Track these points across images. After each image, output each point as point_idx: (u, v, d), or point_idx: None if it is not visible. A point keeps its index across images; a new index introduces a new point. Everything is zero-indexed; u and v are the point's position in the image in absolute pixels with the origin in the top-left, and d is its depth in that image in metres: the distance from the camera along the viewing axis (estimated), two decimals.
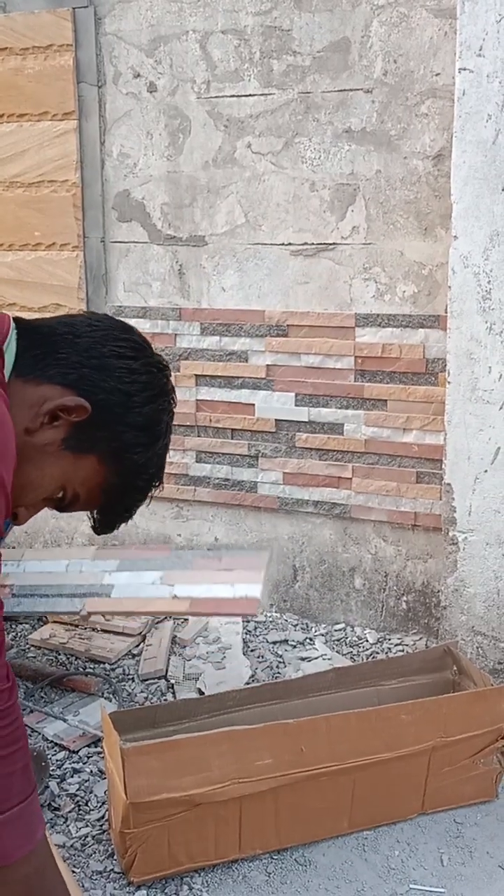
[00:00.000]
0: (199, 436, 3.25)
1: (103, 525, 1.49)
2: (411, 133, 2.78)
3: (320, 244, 2.96)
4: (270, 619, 3.20)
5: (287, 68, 2.90)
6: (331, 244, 2.95)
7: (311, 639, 3.08)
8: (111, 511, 1.47)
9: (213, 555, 2.80)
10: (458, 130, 2.49)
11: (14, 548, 3.63)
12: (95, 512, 1.47)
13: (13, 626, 3.12)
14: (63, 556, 2.93)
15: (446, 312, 2.62)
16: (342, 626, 3.16)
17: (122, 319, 1.48)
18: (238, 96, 2.99)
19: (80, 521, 3.50)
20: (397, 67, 2.76)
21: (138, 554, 2.89)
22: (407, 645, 3.01)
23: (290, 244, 3.01)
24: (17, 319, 1.38)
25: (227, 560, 2.75)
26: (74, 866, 2.05)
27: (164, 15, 3.03)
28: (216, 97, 3.02)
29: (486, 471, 2.60)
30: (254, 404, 3.15)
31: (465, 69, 2.46)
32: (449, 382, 2.62)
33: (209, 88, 3.02)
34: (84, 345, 1.38)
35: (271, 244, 3.03)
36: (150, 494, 1.48)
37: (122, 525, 1.49)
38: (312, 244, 2.98)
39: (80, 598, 2.70)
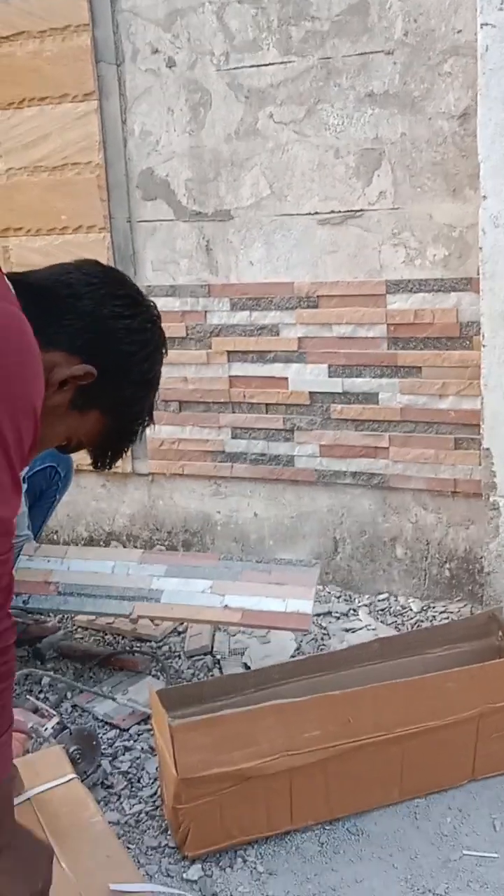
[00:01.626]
0: (233, 412, 3.25)
1: (101, 462, 1.64)
2: (435, 93, 2.73)
3: (347, 212, 2.93)
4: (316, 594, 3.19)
5: (306, 34, 2.86)
6: (358, 211, 2.91)
7: (354, 610, 3.07)
8: (109, 450, 1.61)
9: (263, 567, 2.80)
10: (483, 87, 2.44)
11: (57, 532, 3.67)
12: (94, 451, 1.62)
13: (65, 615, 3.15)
14: (108, 557, 2.95)
15: (478, 274, 2.58)
16: (385, 596, 3.15)
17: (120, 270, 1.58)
18: (258, 66, 2.95)
19: (121, 503, 3.52)
20: (418, 27, 2.71)
21: (186, 560, 2.90)
22: (451, 612, 3.00)
23: (316, 213, 2.97)
24: (8, 275, 1.42)
25: (276, 574, 2.74)
26: (129, 843, 2.08)
27: None
28: (236, 68, 2.98)
29: None
30: (287, 378, 3.13)
31: (487, 24, 2.41)
32: (484, 346, 2.58)
33: (228, 60, 2.99)
34: (86, 308, 1.47)
35: (298, 214, 3.00)
36: (142, 433, 1.64)
37: (119, 460, 1.65)
38: (339, 212, 2.94)
39: (128, 601, 2.71)
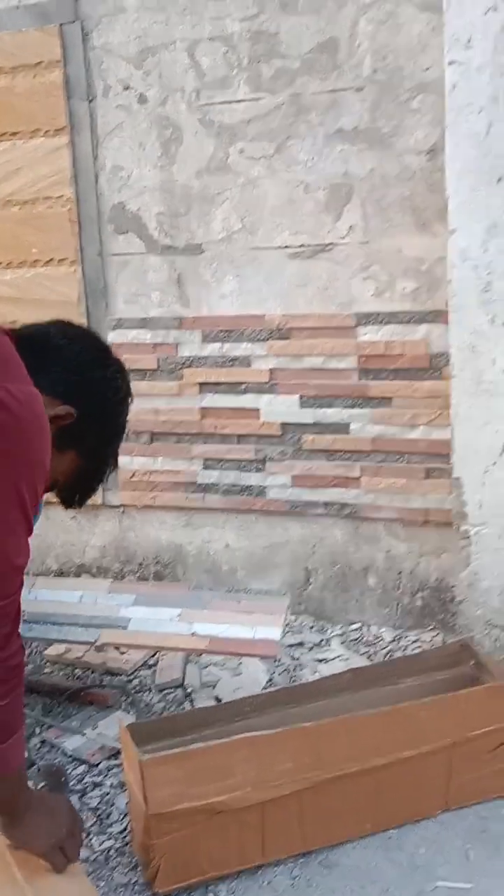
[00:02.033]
0: (205, 443, 3.25)
1: (69, 502, 1.82)
2: (404, 129, 2.78)
3: (317, 245, 2.96)
4: (286, 622, 3.18)
5: (276, 72, 2.91)
6: (328, 245, 2.95)
7: (327, 640, 3.06)
8: (80, 490, 1.81)
9: (232, 597, 2.79)
10: (451, 124, 2.49)
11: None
12: (63, 491, 1.81)
13: (28, 644, 3.11)
14: (76, 587, 2.93)
15: (447, 307, 2.61)
16: (358, 625, 3.15)
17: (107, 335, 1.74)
18: (228, 102, 2.99)
19: (91, 535, 3.50)
20: (386, 64, 2.76)
21: (155, 590, 2.89)
22: (424, 641, 2.99)
23: (287, 247, 3.00)
24: (10, 332, 1.65)
25: (246, 603, 2.75)
26: (99, 880, 2.04)
27: (150, 26, 3.04)
28: (207, 104, 3.02)
29: (494, 463, 2.59)
30: (258, 409, 3.14)
31: (454, 62, 2.46)
32: (453, 376, 2.61)
33: (199, 96, 3.03)
34: (68, 357, 1.70)
35: (268, 248, 3.03)
36: (108, 477, 1.85)
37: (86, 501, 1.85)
38: (309, 246, 2.97)
39: (95, 629, 2.69)
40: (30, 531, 1.61)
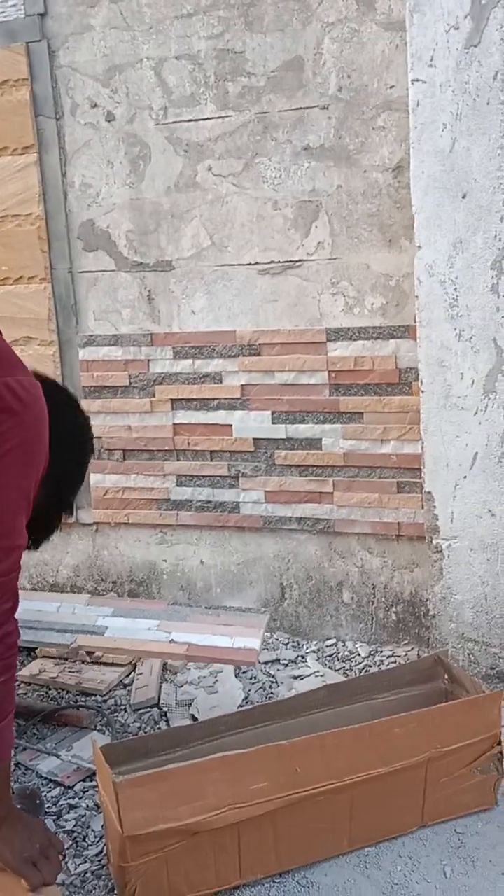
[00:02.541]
0: (178, 460, 3.24)
1: (32, 542, 1.90)
2: (369, 146, 2.80)
3: (287, 262, 2.97)
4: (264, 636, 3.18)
5: (242, 90, 2.92)
6: (297, 261, 2.96)
7: (302, 656, 3.06)
8: (40, 531, 1.92)
9: (212, 612, 2.80)
10: (415, 141, 2.51)
11: None
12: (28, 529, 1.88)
13: None
14: (54, 599, 2.94)
15: (415, 322, 2.63)
16: (333, 641, 3.15)
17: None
18: (196, 120, 3.00)
19: (64, 554, 3.48)
20: (351, 82, 2.78)
21: (134, 605, 2.89)
22: (399, 656, 3.00)
23: (256, 263, 3.01)
24: None
25: (225, 617, 2.75)
26: None
27: (117, 44, 3.05)
28: (174, 122, 3.03)
29: (465, 477, 2.60)
30: (231, 425, 3.14)
31: (417, 80, 2.48)
32: (423, 391, 2.62)
33: (167, 114, 3.03)
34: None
35: (238, 265, 3.04)
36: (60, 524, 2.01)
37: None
38: (279, 262, 2.98)
39: (71, 634, 2.68)
40: (29, 514, 1.77)
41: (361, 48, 2.75)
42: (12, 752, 2.55)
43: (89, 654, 2.97)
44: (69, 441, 1.87)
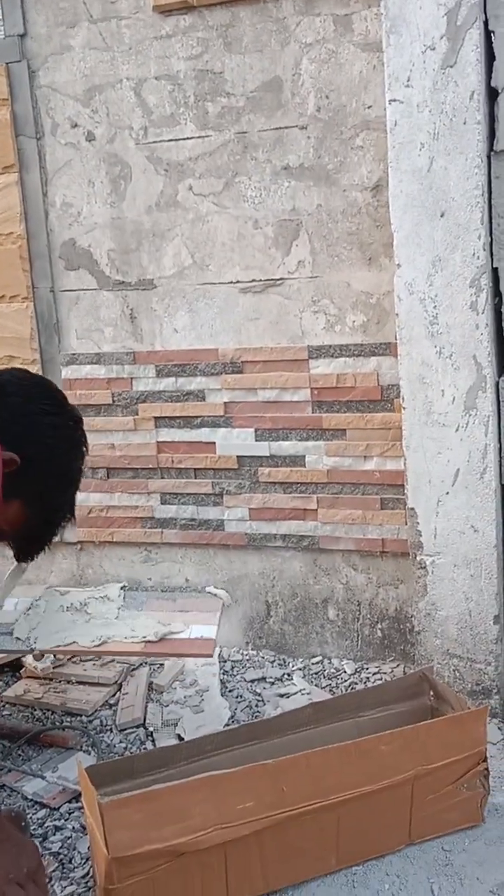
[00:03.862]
0: (162, 478, 3.24)
1: (23, 553, 1.86)
2: (348, 166, 2.82)
3: (268, 280, 2.99)
4: (247, 657, 3.18)
5: (222, 110, 2.94)
6: (278, 279, 2.97)
7: (289, 674, 3.06)
8: (30, 541, 1.82)
9: (168, 596, 2.82)
10: (393, 160, 2.53)
11: None
12: (15, 542, 1.83)
13: None
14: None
15: (396, 339, 2.64)
16: (319, 658, 3.15)
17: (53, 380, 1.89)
18: (176, 140, 3.02)
19: (48, 573, 3.47)
20: (330, 103, 2.81)
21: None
22: (385, 673, 3.00)
23: (238, 282, 3.03)
24: None
25: (181, 601, 2.77)
26: None
27: (97, 65, 3.06)
28: (154, 142, 3.05)
29: (447, 493, 2.62)
30: (214, 442, 3.15)
31: (395, 100, 2.50)
32: (404, 408, 2.64)
33: (147, 134, 3.05)
34: (14, 403, 1.68)
35: (220, 283, 3.05)
36: (62, 528, 1.85)
37: (41, 553, 1.89)
38: (260, 280, 3.00)
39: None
40: None
41: (339, 69, 2.77)
42: None
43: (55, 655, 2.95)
44: (43, 439, 1.72)
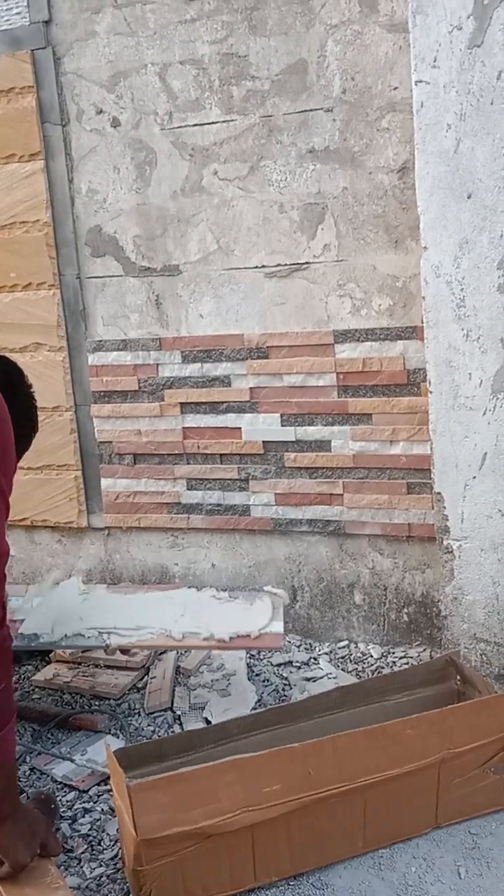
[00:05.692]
0: (188, 463, 3.25)
1: None
2: (374, 148, 2.80)
3: (293, 264, 2.98)
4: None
5: (247, 93, 2.93)
6: (304, 264, 2.96)
7: (315, 658, 3.06)
8: None
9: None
10: (420, 142, 2.51)
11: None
12: None
13: (16, 669, 3.11)
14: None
15: (423, 323, 2.63)
16: (345, 643, 3.15)
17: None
18: (201, 125, 3.01)
19: (77, 559, 3.50)
20: (355, 84, 2.79)
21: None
22: (411, 657, 3.00)
23: (263, 266, 3.02)
24: None
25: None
26: None
27: (121, 50, 3.06)
28: (179, 127, 3.04)
29: (474, 477, 2.60)
30: (240, 428, 3.15)
31: (421, 81, 2.48)
32: (431, 392, 2.62)
33: (172, 119, 3.04)
34: None
35: (245, 268, 3.04)
36: None
37: None
38: (286, 265, 2.99)
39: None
40: (7, 515, 1.78)
41: (365, 50, 2.75)
42: (23, 755, 2.57)
43: (124, 651, 2.96)
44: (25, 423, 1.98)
